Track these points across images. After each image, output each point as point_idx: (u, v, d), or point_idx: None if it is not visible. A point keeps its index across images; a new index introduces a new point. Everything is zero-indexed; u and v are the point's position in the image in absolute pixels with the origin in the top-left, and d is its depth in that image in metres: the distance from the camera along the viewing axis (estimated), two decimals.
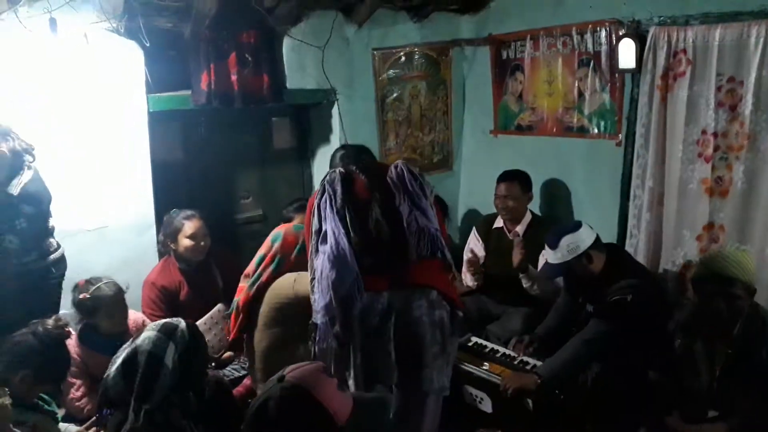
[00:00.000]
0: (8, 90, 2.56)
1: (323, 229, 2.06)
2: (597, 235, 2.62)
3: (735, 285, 2.10)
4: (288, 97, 3.36)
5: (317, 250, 2.06)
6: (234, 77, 3.11)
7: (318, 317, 2.03)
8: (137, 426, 1.76)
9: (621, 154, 3.21)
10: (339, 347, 2.03)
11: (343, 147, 2.62)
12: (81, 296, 2.46)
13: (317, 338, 2.05)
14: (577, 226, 2.61)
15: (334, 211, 2.06)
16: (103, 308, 2.50)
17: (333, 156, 2.48)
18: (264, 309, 2.47)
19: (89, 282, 2.52)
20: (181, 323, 1.91)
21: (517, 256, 3.01)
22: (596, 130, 3.34)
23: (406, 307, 2.05)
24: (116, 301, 2.54)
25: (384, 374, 2.05)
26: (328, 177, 2.17)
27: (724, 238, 2.80)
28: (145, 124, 2.99)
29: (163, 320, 1.95)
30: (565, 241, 2.55)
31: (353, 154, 2.40)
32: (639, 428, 2.35)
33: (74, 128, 2.75)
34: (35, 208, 2.45)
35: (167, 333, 1.86)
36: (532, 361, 2.68)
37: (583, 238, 2.55)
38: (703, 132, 2.80)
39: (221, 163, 3.55)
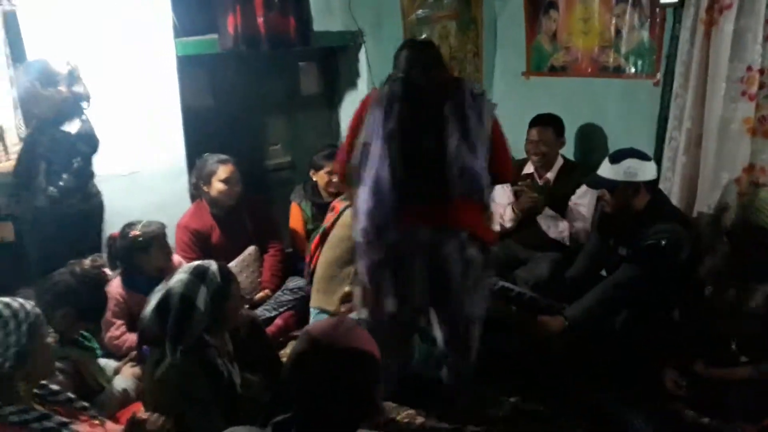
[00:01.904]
0: (35, 33, 2.57)
1: (370, 145, 2.08)
2: (657, 179, 2.56)
3: None
4: (315, 39, 3.30)
5: (363, 165, 2.10)
6: (260, 19, 3.04)
7: (357, 236, 2.13)
8: (174, 363, 1.83)
9: (658, 95, 3.08)
10: (377, 266, 2.14)
11: (409, 44, 2.32)
12: (132, 234, 2.51)
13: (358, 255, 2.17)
14: (649, 157, 2.53)
15: (383, 134, 2.05)
16: (154, 243, 2.55)
17: (396, 56, 2.23)
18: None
19: (129, 225, 2.57)
20: (213, 265, 1.95)
21: (526, 201, 3.04)
22: (633, 70, 3.21)
23: (437, 244, 2.08)
24: (164, 236, 2.62)
25: (416, 299, 2.14)
26: (388, 88, 2.10)
27: (765, 180, 2.70)
28: (174, 68, 2.98)
29: (195, 263, 1.99)
30: (630, 162, 2.45)
31: (416, 57, 2.17)
32: (665, 373, 2.34)
33: (103, 71, 2.75)
34: (90, 147, 2.54)
35: (199, 275, 1.90)
36: (558, 304, 2.66)
37: (645, 171, 2.46)
38: (749, 69, 2.66)
39: (249, 110, 3.54)
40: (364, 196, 2.08)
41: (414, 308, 2.21)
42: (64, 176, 2.45)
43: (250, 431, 1.44)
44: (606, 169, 2.51)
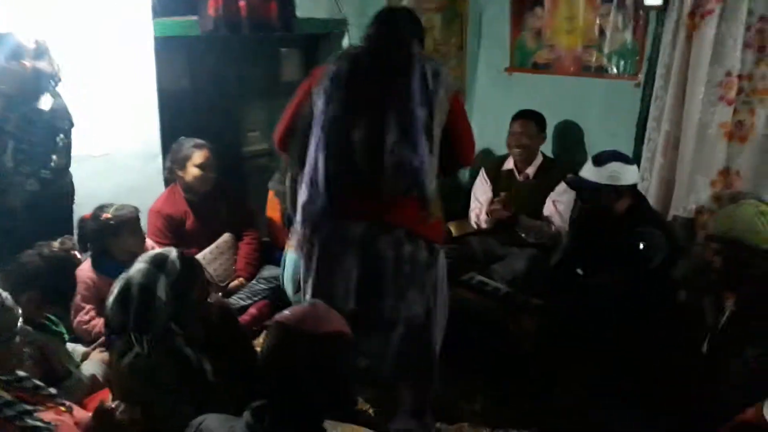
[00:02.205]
0: (8, 8, 2.47)
1: (310, 127, 1.97)
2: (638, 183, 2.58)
3: (742, 248, 1.99)
4: (297, 25, 3.25)
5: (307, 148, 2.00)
6: (242, 2, 2.97)
7: (296, 226, 2.09)
8: (142, 354, 1.78)
9: (639, 96, 3.11)
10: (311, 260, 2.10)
11: (378, 18, 2.09)
12: (103, 217, 2.44)
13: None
14: (632, 161, 2.55)
15: (321, 120, 1.94)
16: (126, 227, 2.48)
17: (372, 22, 2.08)
18: None
19: (101, 207, 2.50)
20: (172, 253, 1.89)
21: (502, 212, 3.01)
22: (615, 70, 3.24)
23: (371, 242, 2.01)
24: (137, 220, 2.54)
25: (342, 300, 2.04)
26: (335, 67, 1.97)
27: (740, 184, 2.74)
28: (151, 49, 2.91)
29: (154, 251, 1.95)
30: (614, 165, 2.45)
31: (378, 35, 2.04)
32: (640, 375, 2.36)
33: (78, 50, 2.66)
34: (69, 122, 2.44)
35: (157, 264, 1.84)
36: (534, 300, 2.68)
37: (629, 175, 2.47)
38: (728, 74, 2.70)
39: (228, 94, 3.48)
40: (302, 185, 2.00)
41: (354, 305, 2.09)
42: (54, 157, 2.36)
43: (223, 419, 1.42)
44: (589, 171, 2.51)
